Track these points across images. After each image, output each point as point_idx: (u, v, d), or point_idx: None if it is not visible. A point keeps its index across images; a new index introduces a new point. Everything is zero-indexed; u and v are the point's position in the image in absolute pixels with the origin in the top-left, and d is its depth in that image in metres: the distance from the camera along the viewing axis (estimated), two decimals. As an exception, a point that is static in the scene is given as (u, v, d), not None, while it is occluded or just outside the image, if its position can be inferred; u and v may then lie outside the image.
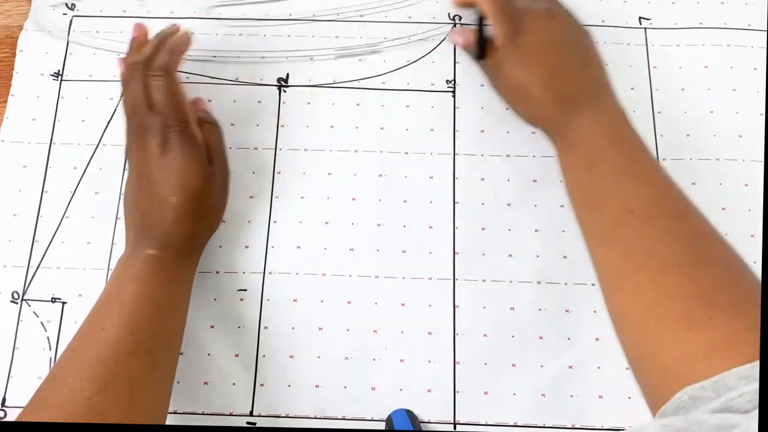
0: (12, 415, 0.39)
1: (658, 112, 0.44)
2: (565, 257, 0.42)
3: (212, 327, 0.41)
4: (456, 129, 0.44)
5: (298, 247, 0.42)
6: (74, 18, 0.47)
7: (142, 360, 0.34)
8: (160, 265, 0.36)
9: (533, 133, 0.44)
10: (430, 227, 0.42)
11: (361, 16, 0.47)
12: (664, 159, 0.43)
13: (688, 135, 0.44)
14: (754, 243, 0.41)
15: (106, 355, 0.33)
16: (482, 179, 0.43)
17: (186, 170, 0.37)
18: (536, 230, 0.42)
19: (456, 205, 0.43)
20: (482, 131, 0.44)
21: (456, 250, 0.42)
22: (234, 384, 0.40)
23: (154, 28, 0.47)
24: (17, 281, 0.41)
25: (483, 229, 0.42)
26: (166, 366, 0.36)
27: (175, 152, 0.37)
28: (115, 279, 0.37)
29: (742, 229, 0.40)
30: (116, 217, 0.43)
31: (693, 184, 0.43)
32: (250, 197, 0.43)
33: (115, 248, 0.42)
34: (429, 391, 0.40)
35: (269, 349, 0.40)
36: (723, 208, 0.42)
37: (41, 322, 0.41)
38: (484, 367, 0.40)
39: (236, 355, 0.40)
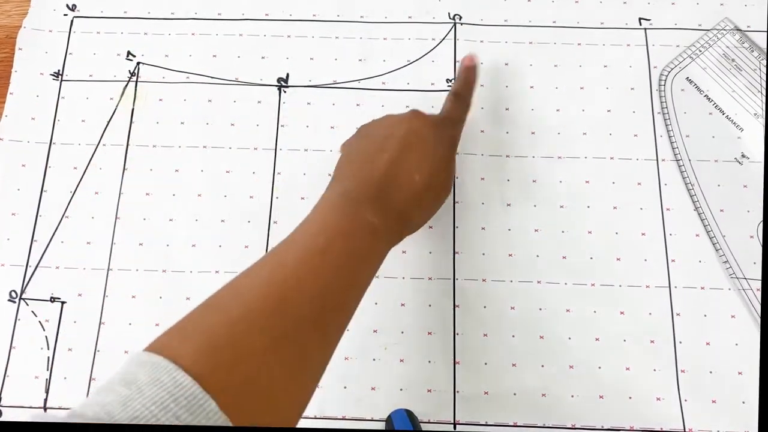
0: (8, 414, 0.39)
1: (657, 113, 0.44)
2: (564, 257, 0.42)
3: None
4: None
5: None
6: (75, 19, 0.47)
7: (320, 330, 0.29)
8: (375, 236, 0.32)
9: (534, 134, 0.44)
10: (431, 227, 0.42)
11: (361, 16, 0.47)
12: (663, 160, 0.43)
13: (688, 136, 0.44)
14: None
15: (294, 312, 0.28)
16: (482, 179, 0.43)
17: (451, 158, 0.38)
18: (536, 230, 0.42)
19: (456, 205, 0.43)
20: (482, 131, 0.44)
21: (456, 250, 0.42)
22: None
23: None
24: (16, 280, 0.41)
25: (483, 228, 0.42)
26: (332, 345, 0.31)
27: (453, 141, 0.38)
28: (321, 229, 0.31)
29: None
30: (116, 217, 0.43)
31: (691, 185, 0.43)
32: (250, 197, 0.43)
33: (115, 248, 0.42)
34: (429, 391, 0.40)
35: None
36: (721, 210, 0.42)
37: (39, 321, 0.41)
38: (484, 367, 0.40)
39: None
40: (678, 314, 0.41)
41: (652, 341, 0.40)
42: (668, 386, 0.39)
